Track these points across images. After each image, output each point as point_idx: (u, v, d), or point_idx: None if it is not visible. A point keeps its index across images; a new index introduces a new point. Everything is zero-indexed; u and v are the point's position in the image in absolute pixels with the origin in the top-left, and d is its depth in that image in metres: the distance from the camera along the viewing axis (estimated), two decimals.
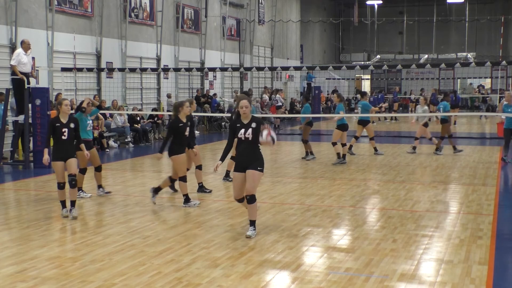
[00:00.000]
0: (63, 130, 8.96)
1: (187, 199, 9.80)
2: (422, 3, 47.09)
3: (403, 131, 24.14)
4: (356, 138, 16.59)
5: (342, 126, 14.77)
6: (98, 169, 10.77)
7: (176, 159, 9.76)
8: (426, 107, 17.95)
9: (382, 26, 45.62)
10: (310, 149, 15.77)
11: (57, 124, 8.94)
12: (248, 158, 7.69)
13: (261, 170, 7.71)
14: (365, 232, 8.09)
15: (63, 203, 9.11)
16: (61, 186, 9.00)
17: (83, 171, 10.61)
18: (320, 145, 18.83)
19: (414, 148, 16.92)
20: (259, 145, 7.77)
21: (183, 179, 9.73)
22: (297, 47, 41.02)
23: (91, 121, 10.83)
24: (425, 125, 16.78)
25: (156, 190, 9.99)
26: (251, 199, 7.67)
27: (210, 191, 11.01)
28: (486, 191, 11.11)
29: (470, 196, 10.69)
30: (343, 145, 14.92)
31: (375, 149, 16.50)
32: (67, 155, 8.94)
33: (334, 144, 14.85)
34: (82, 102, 10.77)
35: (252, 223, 7.82)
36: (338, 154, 14.78)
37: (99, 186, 10.88)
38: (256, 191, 7.70)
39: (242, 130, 7.68)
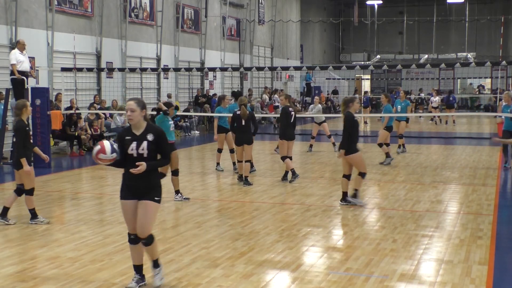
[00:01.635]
0: (31, 134, 8.66)
1: (344, 198, 9.85)
2: (422, 3, 47.08)
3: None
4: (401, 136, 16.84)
5: (390, 128, 14.85)
6: (175, 173, 10.20)
7: (355, 158, 9.63)
8: (319, 106, 18.08)
9: (382, 26, 45.61)
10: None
11: (27, 128, 8.50)
12: (141, 183, 5.68)
13: (158, 201, 5.78)
14: (365, 232, 8.09)
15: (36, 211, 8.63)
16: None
17: (175, 172, 10.15)
18: (320, 145, 18.81)
19: (311, 146, 17.37)
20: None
21: (348, 177, 9.74)
22: (297, 47, 41.01)
23: (172, 122, 10.42)
24: (322, 123, 17.33)
25: (354, 195, 9.84)
26: (148, 241, 5.75)
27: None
28: (486, 191, 11.11)
29: (470, 196, 10.69)
30: (387, 145, 14.83)
31: (401, 147, 16.82)
32: (30, 161, 8.56)
33: (380, 145, 14.75)
34: (168, 104, 10.41)
35: (156, 263, 5.91)
36: (387, 154, 14.77)
37: (177, 192, 10.27)
38: (152, 228, 5.79)
39: (134, 144, 5.70)
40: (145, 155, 5.68)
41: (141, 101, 5.80)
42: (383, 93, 16.46)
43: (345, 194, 9.80)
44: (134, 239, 5.80)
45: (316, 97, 20.58)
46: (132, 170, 5.64)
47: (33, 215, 8.63)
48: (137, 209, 5.72)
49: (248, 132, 11.80)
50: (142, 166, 5.61)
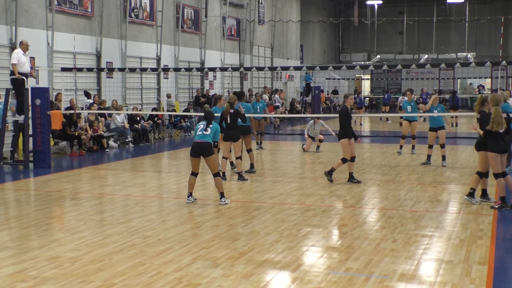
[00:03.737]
0: None
1: (475, 195, 9.93)
2: (422, 3, 47.10)
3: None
4: (414, 137, 16.81)
5: (442, 127, 14.96)
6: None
7: (487, 156, 9.72)
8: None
9: (382, 26, 45.62)
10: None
11: None
12: None
13: None
14: (365, 232, 8.09)
15: None
16: None
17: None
18: (321, 145, 18.79)
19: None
20: None
21: (481, 175, 9.78)
22: (297, 47, 41.01)
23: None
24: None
25: (472, 194, 9.92)
26: None
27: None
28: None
29: None
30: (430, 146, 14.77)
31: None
32: None
33: (431, 146, 14.73)
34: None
35: None
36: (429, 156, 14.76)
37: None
38: None
39: None
40: None
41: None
42: (435, 94, 16.37)
43: (484, 191, 9.94)
44: None
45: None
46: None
47: None
48: None
49: (233, 129, 12.14)
50: None
